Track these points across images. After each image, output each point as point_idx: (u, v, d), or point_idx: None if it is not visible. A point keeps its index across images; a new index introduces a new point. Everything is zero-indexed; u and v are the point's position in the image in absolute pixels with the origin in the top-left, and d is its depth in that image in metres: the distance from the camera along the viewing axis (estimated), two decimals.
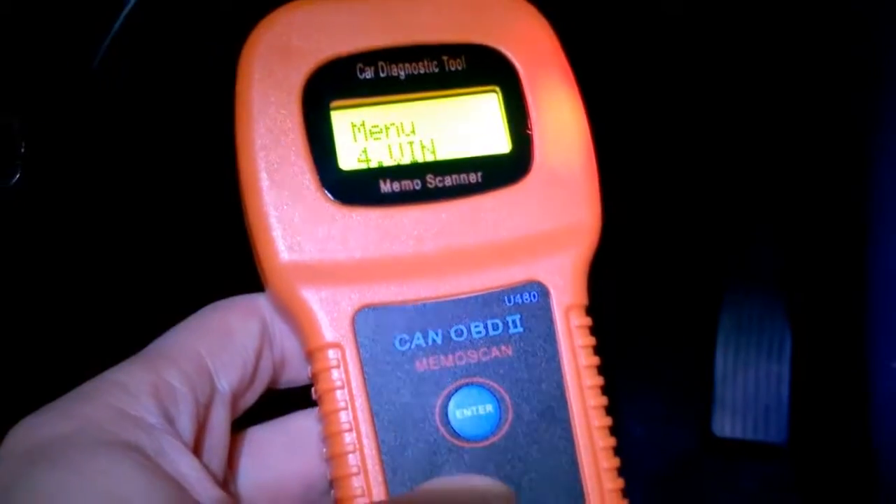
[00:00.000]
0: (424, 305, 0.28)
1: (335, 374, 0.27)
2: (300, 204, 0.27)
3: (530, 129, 0.29)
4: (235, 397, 0.29)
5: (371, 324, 0.27)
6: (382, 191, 0.28)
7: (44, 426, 0.24)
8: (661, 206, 0.53)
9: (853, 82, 0.46)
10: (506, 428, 0.27)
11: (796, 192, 0.55)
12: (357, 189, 0.28)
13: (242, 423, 0.30)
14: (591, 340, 0.29)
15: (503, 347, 0.28)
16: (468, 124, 0.29)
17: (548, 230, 0.29)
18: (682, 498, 0.52)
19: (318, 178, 0.28)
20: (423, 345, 0.27)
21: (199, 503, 0.25)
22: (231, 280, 0.32)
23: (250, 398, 0.30)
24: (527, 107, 0.30)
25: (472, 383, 0.28)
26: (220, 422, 0.28)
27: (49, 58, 0.37)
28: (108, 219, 0.41)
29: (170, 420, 0.26)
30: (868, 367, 0.43)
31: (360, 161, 0.28)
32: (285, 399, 0.31)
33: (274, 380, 0.30)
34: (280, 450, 0.30)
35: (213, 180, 0.41)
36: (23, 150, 0.35)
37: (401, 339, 0.27)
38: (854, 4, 0.45)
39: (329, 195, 0.28)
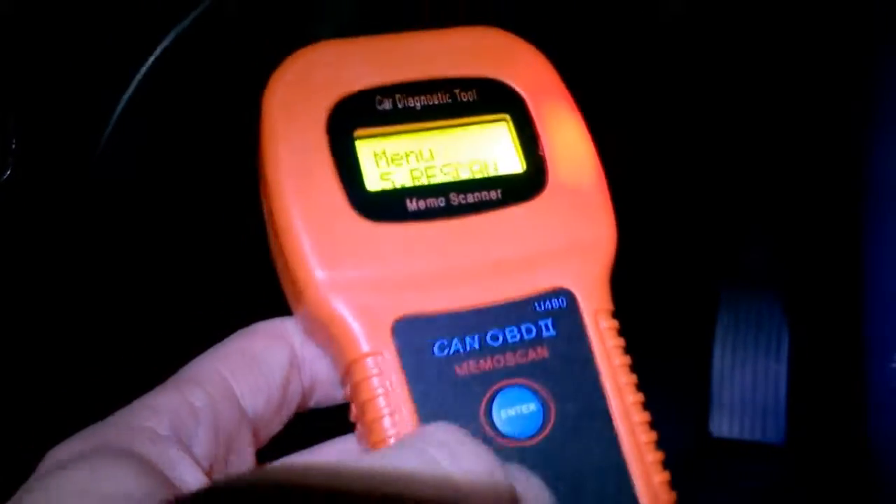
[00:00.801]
0: (458, 314, 0.29)
1: (376, 381, 0.27)
2: (332, 222, 0.28)
3: (542, 151, 0.31)
4: (262, 422, 0.29)
5: (409, 333, 0.28)
6: (409, 209, 0.29)
7: (66, 449, 0.25)
8: (656, 206, 0.53)
9: (849, 82, 0.46)
10: (550, 426, 0.28)
11: (793, 191, 0.56)
12: (385, 207, 0.29)
13: (273, 448, 0.31)
14: (621, 341, 0.30)
15: (539, 349, 0.29)
16: (483, 150, 0.31)
17: (565, 242, 0.30)
18: (679, 498, 0.52)
19: (347, 198, 0.29)
20: (462, 350, 0.28)
21: None
22: (239, 301, 0.33)
23: (278, 423, 0.30)
24: (536, 132, 0.32)
25: (512, 384, 0.28)
26: (245, 445, 0.29)
27: (44, 54, 0.36)
28: (103, 218, 0.40)
29: (185, 435, 0.26)
30: (866, 366, 0.43)
31: (385, 185, 0.30)
32: (313, 425, 0.31)
33: (302, 403, 0.31)
34: None
35: (218, 182, 0.42)
36: (14, 146, 0.35)
37: (440, 345, 0.28)
38: (852, 5, 0.46)
39: (359, 213, 0.29)
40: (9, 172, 0.34)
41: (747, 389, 0.55)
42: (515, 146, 0.31)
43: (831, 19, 0.47)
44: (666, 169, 0.57)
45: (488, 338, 0.29)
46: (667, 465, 0.29)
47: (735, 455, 0.55)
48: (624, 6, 0.50)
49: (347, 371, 0.28)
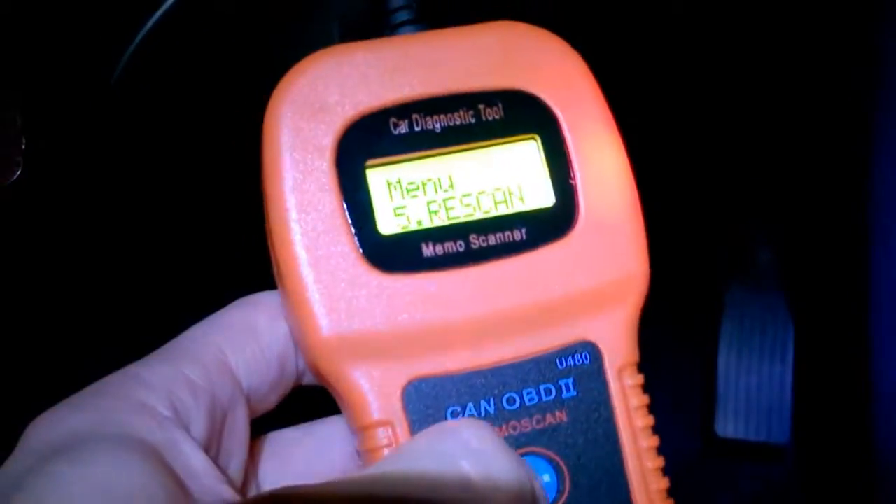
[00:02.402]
0: (474, 374, 0.27)
1: (387, 452, 0.26)
2: (341, 275, 0.26)
3: (573, 179, 0.28)
4: (256, 398, 0.28)
5: (421, 397, 0.26)
6: (425, 255, 0.27)
7: (60, 421, 0.24)
8: (660, 206, 0.52)
9: (854, 82, 0.45)
10: (564, 498, 0.27)
11: (799, 192, 0.55)
12: (399, 255, 0.26)
13: (270, 424, 0.30)
14: (645, 399, 0.28)
15: (557, 413, 0.27)
16: (508, 176, 0.28)
17: (597, 286, 0.28)
18: (683, 499, 0.52)
19: (357, 246, 0.26)
20: (476, 417, 0.26)
21: (201, 499, 0.24)
22: (240, 279, 0.31)
23: (273, 400, 0.29)
24: (568, 155, 0.28)
25: (528, 453, 0.27)
26: (240, 420, 0.27)
27: (52, 52, 0.35)
28: (112, 216, 0.40)
29: (184, 414, 0.25)
30: (871, 367, 0.43)
31: (400, 224, 0.27)
32: (307, 398, 0.30)
33: (298, 381, 0.29)
34: (306, 454, 0.30)
35: (223, 178, 0.41)
36: (24, 146, 0.34)
37: (452, 412, 0.26)
38: (854, 4, 0.45)
39: (370, 263, 0.26)
40: (19, 172, 0.33)
41: (752, 390, 0.54)
42: (545, 173, 0.28)
43: (836, 18, 0.45)
44: (671, 168, 0.55)
45: (504, 401, 0.27)
46: (671, 466, 0.28)
47: (739, 456, 0.55)
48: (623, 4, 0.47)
49: (357, 432, 0.27)
